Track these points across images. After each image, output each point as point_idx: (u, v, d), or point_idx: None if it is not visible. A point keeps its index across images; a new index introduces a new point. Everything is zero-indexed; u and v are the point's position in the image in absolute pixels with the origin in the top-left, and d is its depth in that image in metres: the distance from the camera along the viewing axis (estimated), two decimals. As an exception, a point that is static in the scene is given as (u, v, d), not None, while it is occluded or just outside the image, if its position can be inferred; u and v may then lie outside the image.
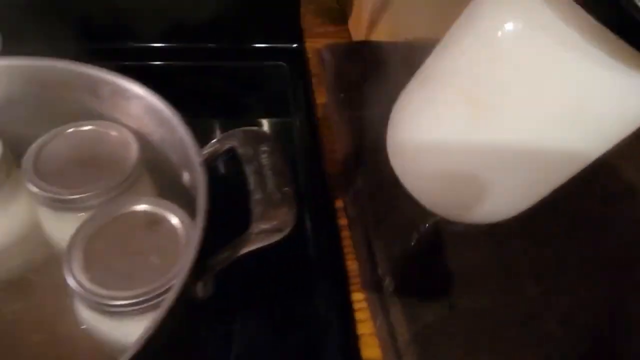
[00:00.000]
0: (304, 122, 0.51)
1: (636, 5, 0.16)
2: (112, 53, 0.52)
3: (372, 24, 0.53)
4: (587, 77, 0.20)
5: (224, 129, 0.44)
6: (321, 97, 0.51)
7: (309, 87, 0.53)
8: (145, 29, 0.55)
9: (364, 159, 0.44)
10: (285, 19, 0.60)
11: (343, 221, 0.40)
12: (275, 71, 0.59)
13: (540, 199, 0.27)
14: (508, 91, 0.23)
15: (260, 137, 0.26)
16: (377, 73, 0.52)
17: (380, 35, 0.55)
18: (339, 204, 0.42)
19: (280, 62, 0.59)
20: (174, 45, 0.57)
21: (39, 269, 0.29)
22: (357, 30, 0.55)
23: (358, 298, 0.35)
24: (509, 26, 0.22)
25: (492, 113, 0.24)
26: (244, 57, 0.59)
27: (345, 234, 0.39)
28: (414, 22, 0.52)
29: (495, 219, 0.29)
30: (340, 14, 0.64)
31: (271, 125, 0.54)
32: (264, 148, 0.25)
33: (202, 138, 0.27)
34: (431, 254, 0.36)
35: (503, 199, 0.28)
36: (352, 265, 0.37)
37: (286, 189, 0.24)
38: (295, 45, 0.60)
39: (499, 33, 0.22)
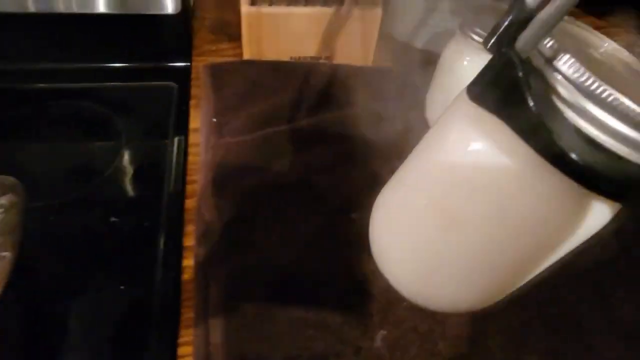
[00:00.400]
0: (177, 149, 0.47)
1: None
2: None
3: (258, 41, 0.50)
4: (549, 194, 0.21)
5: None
6: (195, 121, 0.48)
7: (188, 110, 0.50)
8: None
9: (221, 192, 0.41)
10: (174, 36, 0.57)
11: (188, 262, 0.37)
12: (164, 92, 0.56)
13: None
14: (474, 205, 0.24)
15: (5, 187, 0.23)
16: (256, 95, 0.49)
17: (270, 53, 0.52)
18: (189, 242, 0.38)
19: (171, 83, 0.56)
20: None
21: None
22: (248, 47, 0.52)
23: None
24: (475, 145, 0.22)
25: (461, 224, 0.25)
26: (131, 78, 0.56)
27: (187, 277, 0.36)
28: (300, 40, 0.49)
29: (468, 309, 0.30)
30: (238, 29, 0.61)
31: (148, 149, 0.50)
32: (2, 202, 0.22)
33: None
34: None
35: (474, 294, 0.28)
36: (188, 314, 0.34)
37: (6, 253, 0.20)
38: (186, 64, 0.57)
39: (464, 150, 0.23)
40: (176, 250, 0.38)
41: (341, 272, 0.37)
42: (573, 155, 0.18)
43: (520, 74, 0.19)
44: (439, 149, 0.25)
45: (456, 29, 0.41)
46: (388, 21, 0.61)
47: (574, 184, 0.19)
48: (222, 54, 0.57)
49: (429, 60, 0.46)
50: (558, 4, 0.18)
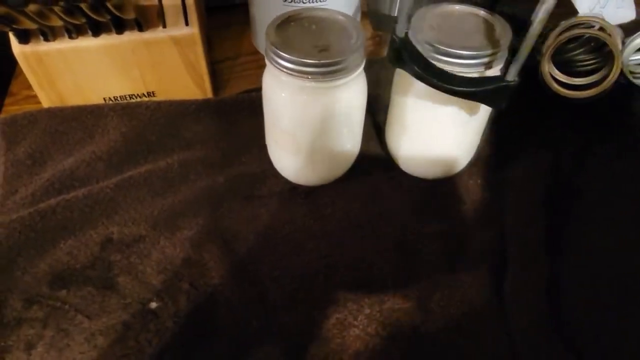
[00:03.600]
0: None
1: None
2: None
3: (52, 85, 0.41)
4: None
5: None
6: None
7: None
8: None
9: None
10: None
11: None
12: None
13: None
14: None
15: None
16: (55, 152, 0.39)
17: (74, 97, 0.42)
18: None
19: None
20: None
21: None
22: (42, 93, 0.42)
23: None
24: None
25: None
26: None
27: None
28: (105, 78, 0.40)
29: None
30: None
31: None
32: None
33: None
34: None
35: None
36: None
37: None
38: (-1, 116, 0.47)
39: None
40: None
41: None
42: (439, 83, 0.30)
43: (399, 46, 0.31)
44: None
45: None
46: (253, 35, 0.52)
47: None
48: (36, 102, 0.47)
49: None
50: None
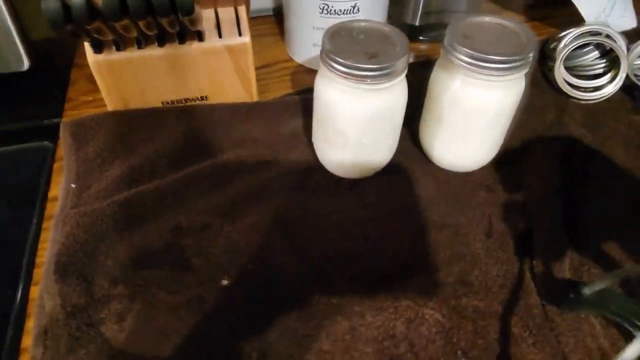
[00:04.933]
0: (36, 224, 0.42)
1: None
2: None
3: (118, 90, 0.45)
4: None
5: None
6: (55, 189, 0.43)
7: (50, 175, 0.45)
8: None
9: (65, 276, 0.35)
10: (40, 90, 0.52)
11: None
12: (37, 154, 0.50)
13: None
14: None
15: None
16: (122, 151, 0.43)
17: (136, 101, 0.46)
18: (28, 341, 0.33)
19: (45, 143, 0.51)
20: None
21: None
22: (108, 98, 0.47)
23: None
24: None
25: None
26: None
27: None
28: (165, 84, 0.44)
29: None
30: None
31: (10, 226, 0.45)
32: None
33: None
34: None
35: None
36: None
37: None
38: (57, 120, 0.51)
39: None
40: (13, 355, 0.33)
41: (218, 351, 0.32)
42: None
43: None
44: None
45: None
46: (288, 45, 0.57)
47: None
48: (99, 104, 0.51)
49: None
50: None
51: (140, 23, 0.34)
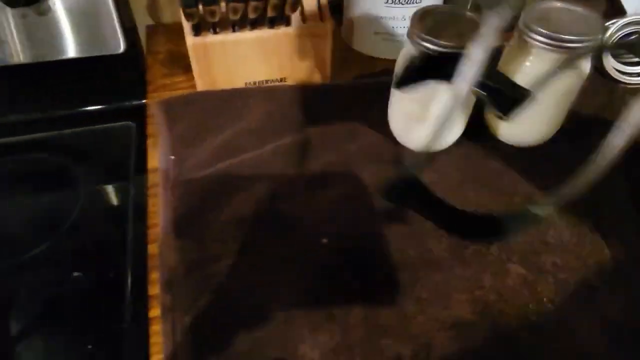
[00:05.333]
0: (137, 192, 0.46)
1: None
2: None
3: (208, 71, 0.49)
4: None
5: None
6: (153, 161, 0.46)
7: (145, 149, 0.48)
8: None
9: (182, 233, 0.39)
10: (126, 74, 0.55)
11: (154, 312, 0.35)
12: (122, 133, 0.54)
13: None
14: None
15: None
16: (212, 127, 0.47)
17: (223, 81, 0.50)
18: (154, 290, 0.36)
19: (128, 122, 0.54)
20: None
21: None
22: (199, 78, 0.50)
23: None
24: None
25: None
26: (87, 122, 0.54)
27: (154, 328, 0.34)
28: (251, 65, 0.48)
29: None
30: (192, 60, 0.59)
31: (108, 196, 0.49)
32: None
33: None
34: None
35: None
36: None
37: None
38: (140, 102, 0.55)
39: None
40: (142, 301, 0.37)
41: (311, 302, 0.35)
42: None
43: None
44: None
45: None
46: (347, 33, 0.61)
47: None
48: (177, 87, 0.55)
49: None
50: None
51: (252, 4, 0.38)
